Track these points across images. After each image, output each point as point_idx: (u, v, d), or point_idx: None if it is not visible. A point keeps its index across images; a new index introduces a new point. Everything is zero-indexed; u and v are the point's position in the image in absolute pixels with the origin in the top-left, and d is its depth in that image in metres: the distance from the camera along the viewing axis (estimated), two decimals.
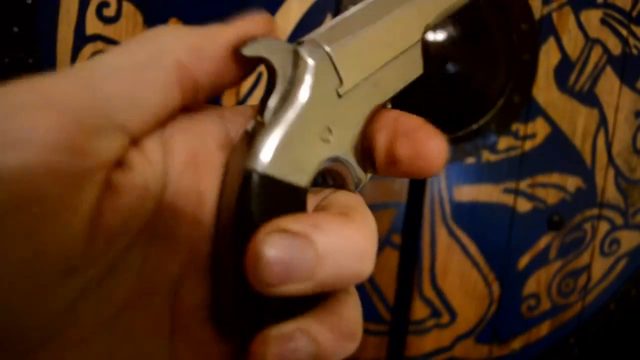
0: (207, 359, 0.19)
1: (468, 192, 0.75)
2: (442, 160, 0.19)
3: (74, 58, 0.65)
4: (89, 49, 0.65)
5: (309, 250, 0.17)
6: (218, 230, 0.19)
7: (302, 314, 0.18)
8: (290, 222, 0.17)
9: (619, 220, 0.81)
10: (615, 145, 0.78)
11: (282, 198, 0.18)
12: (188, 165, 0.19)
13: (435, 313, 0.77)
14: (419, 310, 0.77)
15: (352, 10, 0.22)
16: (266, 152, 0.18)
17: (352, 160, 0.21)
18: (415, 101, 0.70)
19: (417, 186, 0.73)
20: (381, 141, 0.20)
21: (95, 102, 0.17)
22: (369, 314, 0.76)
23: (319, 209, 0.20)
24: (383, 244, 0.74)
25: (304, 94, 0.19)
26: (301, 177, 0.19)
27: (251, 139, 0.19)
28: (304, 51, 0.20)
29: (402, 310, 0.76)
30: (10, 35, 0.63)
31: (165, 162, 0.19)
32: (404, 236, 0.74)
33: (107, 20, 0.65)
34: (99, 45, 0.65)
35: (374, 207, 0.73)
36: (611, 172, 0.79)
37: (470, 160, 0.74)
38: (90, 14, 0.64)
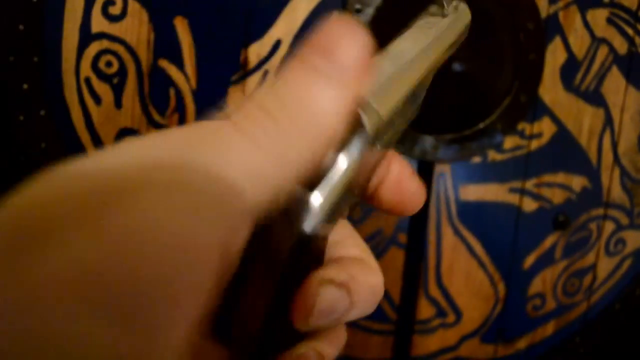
0: None
1: (474, 192, 0.75)
2: (419, 206, 0.23)
3: (79, 56, 0.65)
4: (94, 47, 0.65)
5: (348, 299, 0.20)
6: (250, 273, 0.20)
7: (315, 336, 0.21)
8: (335, 273, 0.20)
9: (624, 220, 0.80)
10: (621, 145, 0.78)
11: (319, 247, 0.21)
12: None
13: (441, 312, 0.77)
14: (425, 310, 0.77)
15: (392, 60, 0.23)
16: (319, 218, 0.19)
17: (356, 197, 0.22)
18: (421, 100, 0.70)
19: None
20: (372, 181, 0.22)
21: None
22: (374, 313, 0.75)
23: (335, 244, 0.22)
24: (389, 243, 0.74)
25: (357, 160, 0.20)
26: (330, 230, 0.21)
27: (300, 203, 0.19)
28: (366, 119, 0.20)
29: (407, 310, 0.76)
30: (15, 33, 0.63)
31: None
32: (409, 235, 0.74)
33: (113, 19, 0.65)
34: (105, 43, 0.65)
35: None
36: (617, 172, 0.79)
37: (476, 159, 0.74)
38: (95, 12, 0.64)
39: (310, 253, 0.20)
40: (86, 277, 0.13)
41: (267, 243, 0.19)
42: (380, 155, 0.22)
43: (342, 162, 0.19)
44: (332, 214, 0.19)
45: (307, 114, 0.17)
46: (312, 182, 0.19)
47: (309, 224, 0.19)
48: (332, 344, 0.21)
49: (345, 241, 0.23)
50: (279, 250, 0.19)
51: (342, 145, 0.20)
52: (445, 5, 0.25)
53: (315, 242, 0.20)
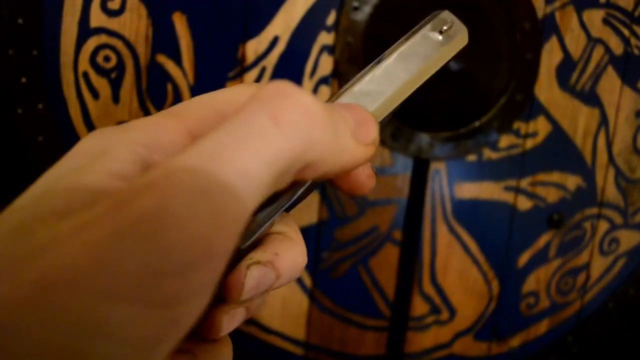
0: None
1: (469, 190, 0.75)
2: (370, 188, 0.26)
3: (78, 50, 0.65)
4: (93, 41, 0.65)
5: (273, 273, 0.23)
6: None
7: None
8: (261, 255, 0.23)
9: (618, 219, 0.81)
10: (616, 145, 0.79)
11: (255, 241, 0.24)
12: None
13: (435, 310, 0.78)
14: (419, 307, 0.77)
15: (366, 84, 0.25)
16: (249, 238, 0.23)
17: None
18: (417, 98, 0.70)
19: (419, 183, 0.74)
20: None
21: None
22: (369, 309, 0.76)
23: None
24: (384, 240, 0.74)
25: (292, 193, 0.24)
26: (264, 235, 0.24)
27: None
28: None
29: (401, 307, 0.76)
30: (14, 26, 0.63)
31: None
32: (404, 232, 0.75)
33: (112, 13, 0.65)
34: (103, 38, 0.65)
35: (375, 203, 0.73)
36: (611, 172, 0.79)
37: (472, 157, 0.74)
38: (94, 7, 0.64)
39: (244, 249, 0.23)
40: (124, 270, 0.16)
41: None
42: None
43: (282, 193, 0.23)
44: (263, 229, 0.23)
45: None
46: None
47: (244, 241, 0.23)
48: (259, 301, 0.25)
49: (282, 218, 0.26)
50: None
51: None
52: (442, 30, 0.26)
53: (245, 248, 0.23)
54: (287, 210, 0.25)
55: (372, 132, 0.22)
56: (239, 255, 0.23)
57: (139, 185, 0.17)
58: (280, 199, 0.23)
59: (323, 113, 0.20)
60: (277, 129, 0.19)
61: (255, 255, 0.23)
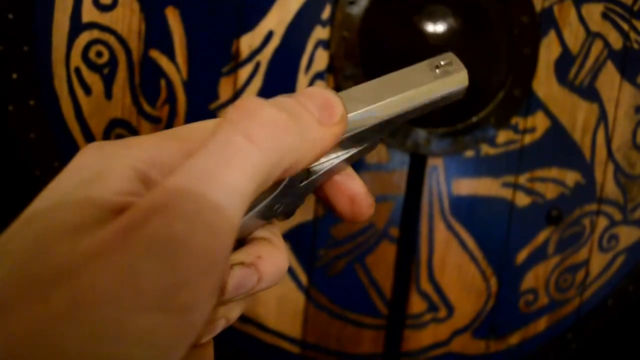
0: None
1: (467, 186, 0.74)
2: (369, 216, 0.28)
3: (69, 46, 0.64)
4: (85, 36, 0.64)
5: (255, 275, 0.25)
6: None
7: (226, 303, 0.26)
8: (244, 256, 0.25)
9: (617, 215, 0.80)
10: (615, 141, 0.78)
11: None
12: None
13: (433, 307, 0.77)
14: (416, 305, 0.76)
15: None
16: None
17: (292, 208, 0.27)
18: None
19: (416, 179, 0.73)
20: (327, 195, 0.28)
21: None
22: (366, 307, 0.75)
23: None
24: (380, 237, 0.74)
25: (270, 192, 0.25)
26: (248, 234, 0.26)
27: None
28: None
29: (399, 304, 0.76)
30: (5, 22, 0.62)
31: None
32: (401, 229, 0.74)
33: (104, 8, 0.64)
34: (95, 33, 0.65)
35: None
36: (610, 167, 0.78)
37: (469, 153, 0.74)
38: (86, 2, 0.63)
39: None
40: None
41: None
42: (321, 178, 0.27)
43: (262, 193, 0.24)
44: (244, 227, 0.25)
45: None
46: None
47: None
48: (238, 311, 0.26)
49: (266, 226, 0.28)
50: None
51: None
52: (438, 65, 0.27)
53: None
54: (282, 214, 0.27)
55: (337, 112, 0.24)
56: None
57: (145, 209, 0.19)
58: (259, 198, 0.25)
59: (288, 119, 0.22)
60: (252, 146, 0.21)
61: (239, 256, 0.25)
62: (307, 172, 0.26)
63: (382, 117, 0.26)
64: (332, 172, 0.27)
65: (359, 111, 0.26)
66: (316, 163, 0.26)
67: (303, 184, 0.26)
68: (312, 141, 0.23)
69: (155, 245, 0.19)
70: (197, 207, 0.19)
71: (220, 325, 0.26)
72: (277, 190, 0.25)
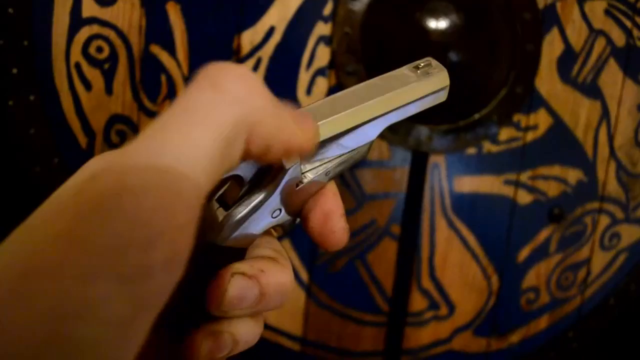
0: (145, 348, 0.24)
1: (468, 183, 0.74)
2: (340, 244, 0.26)
3: (69, 41, 0.64)
4: (85, 32, 0.64)
5: (256, 289, 0.24)
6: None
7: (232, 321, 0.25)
8: (246, 267, 0.24)
9: (619, 214, 0.80)
10: (617, 138, 0.77)
11: (231, 254, 0.25)
12: None
13: (434, 305, 0.77)
14: (417, 302, 0.76)
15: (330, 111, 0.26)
16: (227, 233, 0.24)
17: (289, 218, 0.26)
18: None
19: (417, 176, 0.73)
20: (305, 210, 0.27)
21: None
22: (367, 305, 0.75)
23: (253, 247, 0.26)
24: (382, 234, 0.73)
25: (269, 189, 0.24)
26: (248, 243, 0.25)
27: (217, 216, 0.24)
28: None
29: (400, 302, 0.75)
30: (5, 16, 0.62)
31: None
32: (403, 227, 0.73)
33: (104, 3, 0.64)
34: (95, 28, 0.64)
35: (374, 197, 0.72)
36: (612, 165, 0.78)
37: (471, 150, 0.73)
38: None
39: (224, 254, 0.24)
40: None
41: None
42: (315, 185, 0.26)
43: (260, 189, 0.24)
44: (240, 228, 0.24)
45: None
46: (231, 199, 0.24)
47: (217, 236, 0.24)
48: (248, 331, 0.25)
49: (262, 244, 0.27)
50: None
51: (259, 174, 0.24)
52: (418, 66, 0.27)
53: (226, 247, 0.24)
54: (281, 225, 0.26)
55: (310, 125, 0.24)
56: (220, 256, 0.24)
57: (96, 171, 0.18)
58: (255, 194, 0.24)
59: (262, 86, 0.22)
60: (218, 96, 0.20)
61: (241, 267, 0.24)
62: (302, 175, 0.26)
63: (357, 120, 0.26)
64: (321, 184, 0.27)
65: (340, 114, 0.25)
66: (309, 167, 0.26)
67: (299, 187, 0.26)
68: (284, 124, 0.22)
69: (105, 202, 0.17)
70: (152, 163, 0.18)
71: (226, 341, 0.24)
72: (275, 189, 0.25)
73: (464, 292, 0.77)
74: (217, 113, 0.20)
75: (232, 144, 0.21)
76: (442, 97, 0.28)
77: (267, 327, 0.74)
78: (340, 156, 0.27)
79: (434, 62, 0.28)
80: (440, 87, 0.28)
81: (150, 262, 0.17)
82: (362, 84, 0.27)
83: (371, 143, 0.27)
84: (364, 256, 0.74)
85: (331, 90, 0.68)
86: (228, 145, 0.20)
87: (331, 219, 0.26)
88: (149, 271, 0.17)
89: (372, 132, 0.27)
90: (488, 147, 0.73)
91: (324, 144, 0.26)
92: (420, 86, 0.27)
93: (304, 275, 0.73)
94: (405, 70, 0.28)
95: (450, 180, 0.73)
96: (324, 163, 0.26)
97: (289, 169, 0.24)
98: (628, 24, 0.74)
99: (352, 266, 0.74)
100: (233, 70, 0.22)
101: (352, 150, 0.27)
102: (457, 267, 0.76)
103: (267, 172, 0.25)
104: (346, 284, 0.74)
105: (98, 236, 0.17)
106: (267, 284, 0.24)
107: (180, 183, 0.18)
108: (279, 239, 0.27)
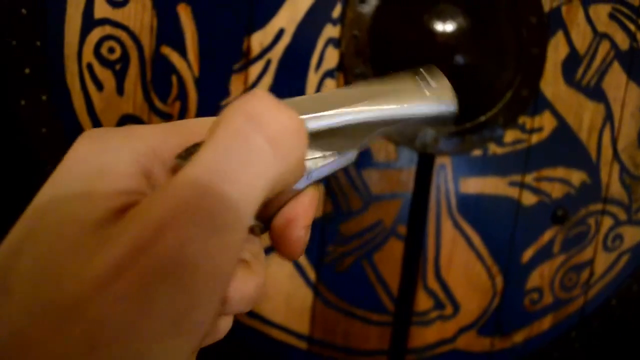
0: None
1: (474, 185, 0.75)
2: (294, 255, 0.25)
3: (82, 41, 0.64)
4: (97, 32, 0.65)
5: None
6: None
7: None
8: None
9: (622, 215, 0.81)
10: (621, 141, 0.78)
11: None
12: None
13: (439, 305, 0.77)
14: (423, 302, 0.77)
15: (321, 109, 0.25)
16: None
17: (260, 221, 0.25)
18: None
19: (424, 177, 0.73)
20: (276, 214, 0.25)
21: None
22: (373, 304, 0.76)
23: None
24: (388, 234, 0.74)
25: None
26: None
27: None
28: None
29: (405, 301, 0.76)
30: (18, 17, 0.63)
31: None
32: (409, 227, 0.74)
33: (116, 5, 0.64)
34: (107, 29, 0.65)
35: (380, 197, 0.73)
36: (616, 168, 0.79)
37: (477, 152, 0.74)
38: None
39: None
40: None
41: None
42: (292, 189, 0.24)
43: None
44: None
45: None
46: None
47: None
48: (215, 327, 0.24)
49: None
50: None
51: None
52: (427, 81, 0.26)
53: None
54: (258, 226, 0.25)
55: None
56: None
57: (154, 221, 0.18)
58: None
59: (302, 129, 0.21)
60: (273, 151, 0.20)
61: None
62: None
63: (348, 122, 0.25)
64: (299, 188, 0.25)
65: (330, 112, 0.25)
66: None
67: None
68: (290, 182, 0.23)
69: (167, 267, 0.17)
70: (214, 206, 0.18)
71: None
72: None
73: (468, 292, 0.78)
74: (271, 170, 0.20)
75: (272, 194, 0.21)
76: (447, 115, 0.27)
77: (274, 325, 0.74)
78: (324, 158, 0.25)
79: (446, 84, 0.27)
80: (443, 111, 0.26)
81: (206, 317, 0.19)
82: (360, 86, 0.26)
83: (360, 149, 0.26)
84: (370, 256, 0.74)
85: None
86: (267, 197, 0.21)
87: (292, 227, 0.24)
88: (204, 323, 0.19)
89: (360, 138, 0.25)
90: (493, 149, 0.74)
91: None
92: (422, 105, 0.26)
93: (312, 275, 0.74)
94: (413, 80, 0.26)
95: (456, 181, 0.74)
96: (307, 159, 0.25)
97: None
98: (632, 27, 0.75)
99: (359, 266, 0.74)
100: (280, 119, 0.20)
101: (338, 155, 0.25)
102: (462, 267, 0.77)
103: None
104: (353, 284, 0.75)
105: (160, 305, 0.17)
106: (233, 288, 0.23)
107: (237, 226, 0.19)
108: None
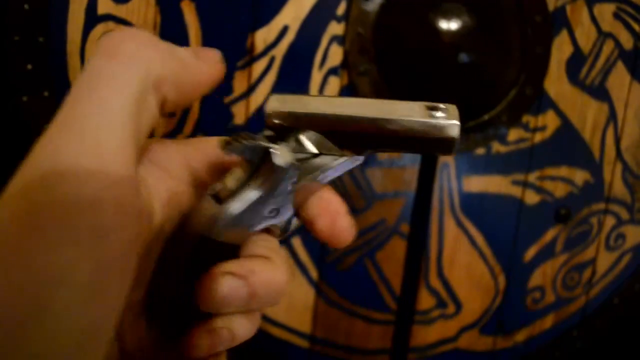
0: (145, 346, 0.25)
1: (477, 183, 0.75)
2: (349, 240, 0.27)
3: (84, 38, 0.64)
4: (100, 28, 0.64)
5: (246, 288, 0.24)
6: (169, 258, 0.25)
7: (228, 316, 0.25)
8: (236, 266, 0.24)
9: (625, 215, 0.81)
10: (624, 140, 0.78)
11: (225, 250, 0.25)
12: (165, 205, 0.25)
13: (441, 303, 0.77)
14: (425, 301, 0.77)
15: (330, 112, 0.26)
16: (221, 227, 0.24)
17: (287, 219, 0.26)
18: (427, 90, 0.70)
19: (427, 176, 0.73)
20: (308, 213, 0.27)
21: None
22: (375, 302, 0.76)
23: (249, 245, 0.27)
24: (391, 233, 0.74)
25: (265, 186, 0.24)
26: (243, 240, 0.26)
27: (210, 210, 0.24)
28: (276, 157, 0.24)
29: (408, 300, 0.76)
30: (20, 12, 0.62)
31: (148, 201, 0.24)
32: (412, 226, 0.74)
33: (119, 0, 0.64)
34: (111, 25, 0.64)
35: (383, 196, 0.73)
36: (619, 167, 0.79)
37: (480, 151, 0.74)
38: None
39: (217, 250, 0.25)
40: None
41: (177, 240, 0.25)
42: (309, 187, 0.26)
43: (251, 186, 0.24)
44: (235, 224, 0.24)
45: None
46: (223, 196, 0.24)
47: (212, 230, 0.24)
48: (244, 326, 0.25)
49: (259, 241, 0.27)
50: (184, 247, 0.25)
51: (257, 172, 0.24)
52: (432, 110, 0.27)
53: (220, 242, 0.24)
54: (277, 226, 0.26)
55: (215, 53, 0.26)
56: (215, 251, 0.24)
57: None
58: (252, 190, 0.24)
59: (153, 37, 0.23)
60: (113, 61, 0.21)
61: (231, 266, 0.25)
62: (297, 174, 0.26)
63: (345, 125, 0.26)
64: (314, 187, 0.27)
65: (312, 109, 0.26)
66: (305, 172, 0.26)
67: (296, 188, 0.25)
68: (187, 63, 0.24)
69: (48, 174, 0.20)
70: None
71: (224, 336, 0.25)
72: (272, 187, 0.25)
73: (471, 291, 0.78)
74: (116, 78, 0.21)
75: (142, 101, 0.22)
76: (446, 139, 0.27)
77: (276, 324, 0.74)
78: (336, 160, 0.26)
79: (453, 110, 0.27)
80: (442, 135, 0.26)
81: (100, 223, 0.19)
82: (372, 100, 0.27)
83: (367, 153, 0.27)
84: (373, 255, 0.74)
85: (343, 90, 0.69)
86: (139, 103, 0.21)
87: (339, 219, 0.27)
88: (101, 232, 0.19)
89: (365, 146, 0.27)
90: (497, 147, 0.74)
91: (320, 150, 0.26)
92: (422, 121, 0.26)
93: (314, 273, 0.74)
94: (416, 106, 0.27)
95: (459, 180, 0.74)
96: (320, 167, 0.26)
97: (288, 168, 0.24)
98: (636, 27, 0.75)
99: (361, 264, 0.74)
100: (121, 33, 0.22)
101: (347, 157, 0.27)
102: (465, 266, 0.77)
103: (263, 167, 0.25)
104: (355, 282, 0.75)
105: (52, 196, 0.19)
106: (257, 284, 0.24)
107: (101, 156, 0.20)
108: (288, 239, 0.27)
